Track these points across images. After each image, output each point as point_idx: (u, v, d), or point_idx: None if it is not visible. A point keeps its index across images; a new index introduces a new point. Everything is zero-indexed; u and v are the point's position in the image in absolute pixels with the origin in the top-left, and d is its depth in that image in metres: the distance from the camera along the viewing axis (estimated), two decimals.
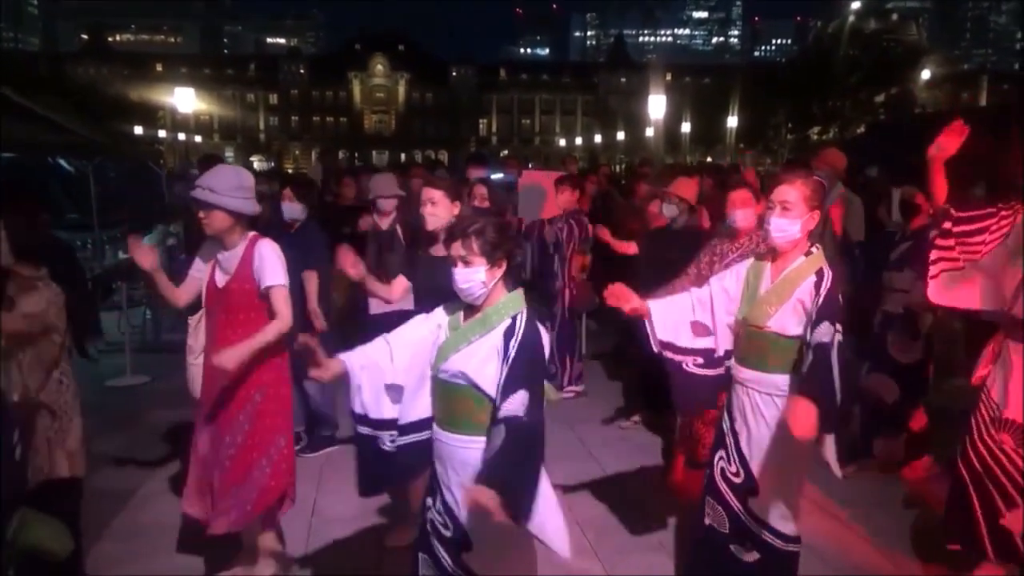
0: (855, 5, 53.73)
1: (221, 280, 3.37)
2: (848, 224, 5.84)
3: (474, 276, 2.43)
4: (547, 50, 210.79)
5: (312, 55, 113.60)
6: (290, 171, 48.58)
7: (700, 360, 3.18)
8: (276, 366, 3.46)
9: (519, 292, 2.53)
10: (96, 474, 4.79)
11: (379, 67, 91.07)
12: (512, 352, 2.37)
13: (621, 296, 3.07)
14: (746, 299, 3.06)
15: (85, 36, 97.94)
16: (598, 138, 73.87)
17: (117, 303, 8.36)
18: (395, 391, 2.62)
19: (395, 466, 2.65)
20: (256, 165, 64.50)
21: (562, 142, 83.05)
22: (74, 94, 38.93)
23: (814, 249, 2.97)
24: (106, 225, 10.32)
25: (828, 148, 6.13)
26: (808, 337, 2.72)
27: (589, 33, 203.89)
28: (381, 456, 2.63)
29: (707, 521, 3.20)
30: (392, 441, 2.61)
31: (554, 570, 3.73)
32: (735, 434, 3.11)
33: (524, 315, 2.46)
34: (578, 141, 79.02)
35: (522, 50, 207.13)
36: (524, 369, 2.35)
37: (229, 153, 74.84)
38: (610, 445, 5.41)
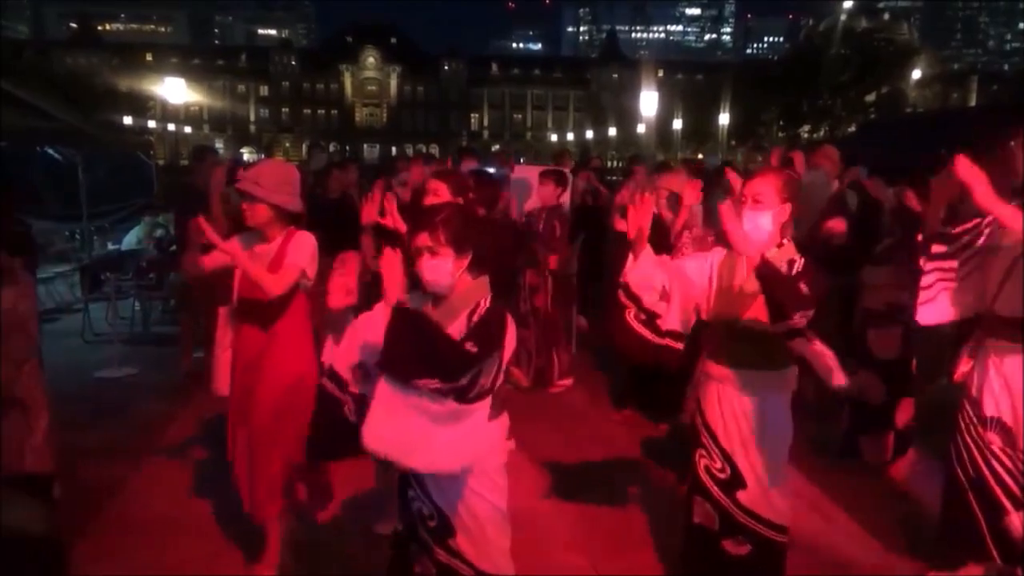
0: (847, 4, 53.87)
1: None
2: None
3: (441, 267, 2.42)
4: (539, 45, 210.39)
5: (303, 47, 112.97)
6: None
7: (643, 317, 3.26)
8: (303, 360, 3.48)
9: (484, 279, 2.52)
10: (84, 466, 4.78)
11: (370, 60, 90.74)
12: (473, 323, 2.38)
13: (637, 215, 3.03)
14: (720, 294, 3.05)
15: (74, 25, 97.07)
16: (590, 134, 73.93)
17: (106, 294, 8.32)
18: (363, 369, 2.59)
19: (351, 438, 2.54)
20: (246, 156, 64.14)
21: (554, 137, 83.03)
22: (63, 83, 38.65)
23: (785, 240, 2.97)
24: (95, 216, 10.26)
25: (824, 146, 6.15)
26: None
27: (581, 28, 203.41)
28: (340, 423, 2.59)
29: (696, 520, 3.19)
30: (353, 412, 2.58)
31: (543, 566, 3.76)
32: (712, 430, 3.11)
33: (488, 299, 2.46)
34: (570, 136, 79.07)
35: (514, 45, 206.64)
36: (476, 336, 2.33)
37: (219, 144, 74.35)
38: (600, 442, 5.42)
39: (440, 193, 3.86)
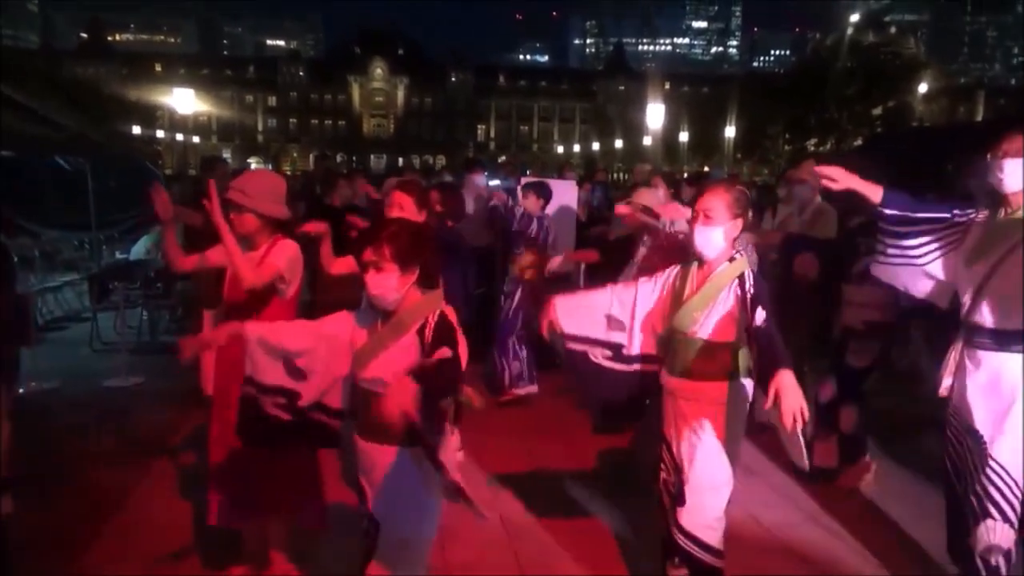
0: (854, 18, 53.95)
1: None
2: (819, 235, 5.77)
3: (385, 282, 2.45)
4: (546, 57, 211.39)
5: (311, 57, 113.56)
6: (288, 173, 48.51)
7: (608, 353, 3.22)
8: None
9: (436, 294, 2.56)
10: (92, 472, 4.82)
11: (378, 71, 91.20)
12: (428, 341, 2.43)
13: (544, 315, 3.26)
14: (672, 305, 3.07)
15: (84, 34, 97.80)
16: (596, 146, 74.07)
17: (114, 304, 8.36)
18: (292, 367, 2.66)
19: (275, 432, 2.73)
20: (254, 166, 64.39)
21: (560, 149, 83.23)
22: (71, 92, 38.80)
23: (737, 255, 2.99)
24: (103, 225, 10.31)
25: (807, 161, 6.22)
26: (750, 324, 2.79)
27: (588, 41, 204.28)
28: (263, 419, 2.71)
29: (661, 533, 3.24)
30: (276, 405, 2.69)
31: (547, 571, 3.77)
32: (668, 444, 3.12)
33: (437, 314, 2.49)
34: (576, 148, 79.24)
35: (521, 57, 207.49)
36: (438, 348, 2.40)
37: (227, 154, 74.72)
38: (606, 452, 5.41)
39: (405, 206, 3.85)
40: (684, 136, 52.83)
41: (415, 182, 4.63)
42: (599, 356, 3.23)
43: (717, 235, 2.95)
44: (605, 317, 3.20)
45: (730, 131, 49.03)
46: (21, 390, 6.54)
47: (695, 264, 3.07)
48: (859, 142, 42.67)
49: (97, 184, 9.88)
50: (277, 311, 3.41)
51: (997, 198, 3.15)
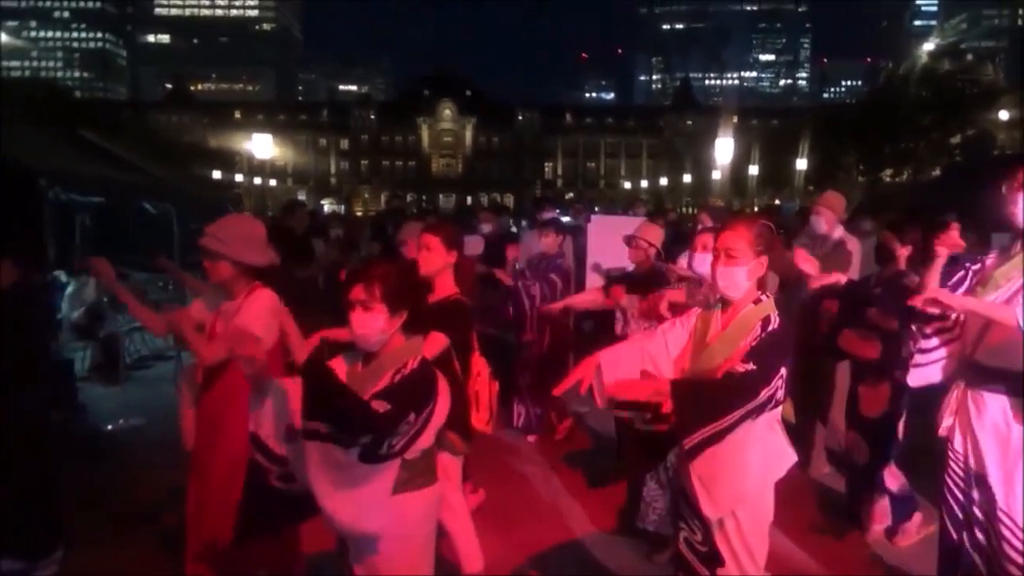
0: (927, 46, 52.79)
1: (222, 329, 3.32)
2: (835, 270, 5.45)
3: (372, 323, 2.38)
4: (612, 94, 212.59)
5: (382, 101, 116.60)
6: (359, 214, 49.57)
7: (648, 415, 2.92)
8: None
9: (417, 340, 2.50)
10: (173, 511, 4.94)
11: (447, 112, 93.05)
12: (392, 382, 2.37)
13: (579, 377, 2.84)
14: (694, 353, 2.81)
15: (169, 85, 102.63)
16: (664, 181, 73.79)
17: None
18: (292, 431, 2.44)
19: (280, 505, 2.53)
20: (327, 208, 66.16)
21: (627, 185, 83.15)
22: (158, 140, 40.62)
23: (764, 297, 2.77)
24: (187, 267, 10.68)
25: (826, 192, 6.05)
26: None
27: (654, 76, 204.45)
28: (267, 492, 2.50)
29: None
30: (279, 477, 2.49)
31: None
32: (689, 498, 2.80)
33: (419, 360, 2.42)
34: (643, 184, 79.04)
35: (587, 94, 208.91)
36: (391, 394, 2.30)
37: (302, 196, 77.03)
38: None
39: (432, 247, 3.65)
40: (754, 170, 52.21)
41: (442, 223, 4.47)
42: (641, 422, 2.96)
43: (740, 275, 2.73)
44: (640, 374, 2.86)
45: (801, 163, 48.23)
46: (109, 427, 6.80)
47: (718, 307, 2.85)
48: (937, 172, 41.50)
49: (181, 227, 10.27)
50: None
51: (1014, 233, 2.98)
